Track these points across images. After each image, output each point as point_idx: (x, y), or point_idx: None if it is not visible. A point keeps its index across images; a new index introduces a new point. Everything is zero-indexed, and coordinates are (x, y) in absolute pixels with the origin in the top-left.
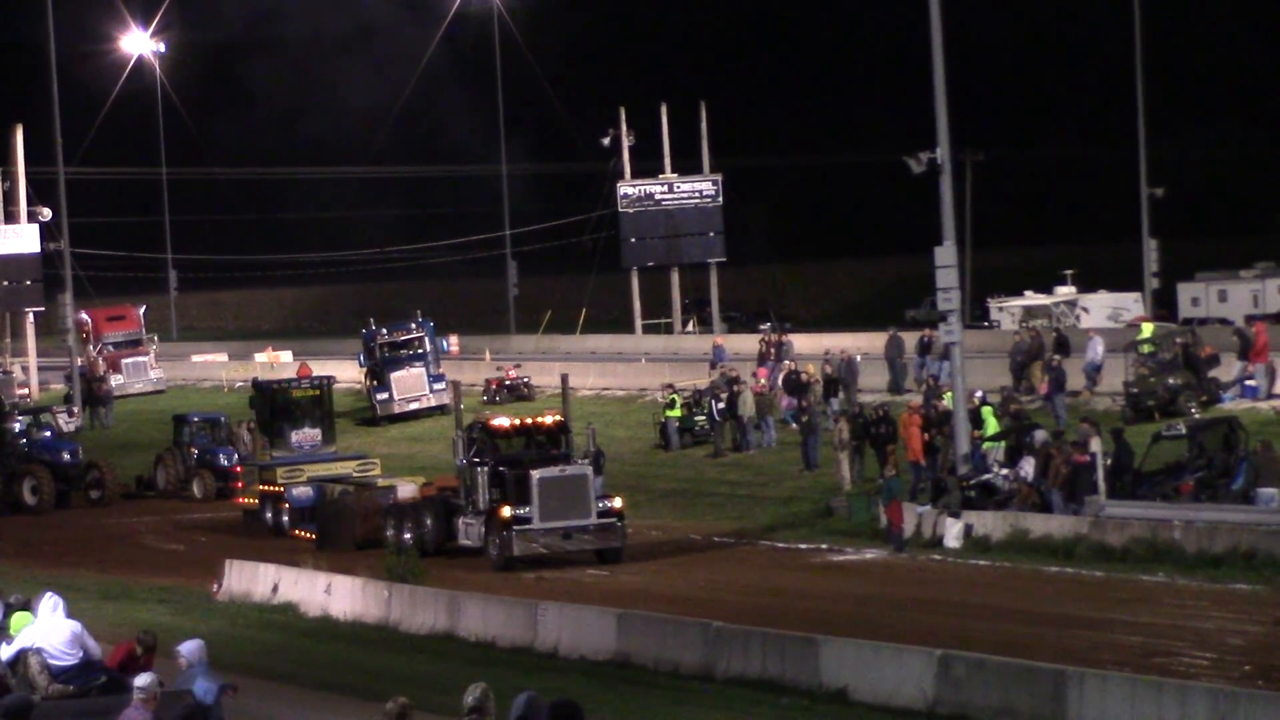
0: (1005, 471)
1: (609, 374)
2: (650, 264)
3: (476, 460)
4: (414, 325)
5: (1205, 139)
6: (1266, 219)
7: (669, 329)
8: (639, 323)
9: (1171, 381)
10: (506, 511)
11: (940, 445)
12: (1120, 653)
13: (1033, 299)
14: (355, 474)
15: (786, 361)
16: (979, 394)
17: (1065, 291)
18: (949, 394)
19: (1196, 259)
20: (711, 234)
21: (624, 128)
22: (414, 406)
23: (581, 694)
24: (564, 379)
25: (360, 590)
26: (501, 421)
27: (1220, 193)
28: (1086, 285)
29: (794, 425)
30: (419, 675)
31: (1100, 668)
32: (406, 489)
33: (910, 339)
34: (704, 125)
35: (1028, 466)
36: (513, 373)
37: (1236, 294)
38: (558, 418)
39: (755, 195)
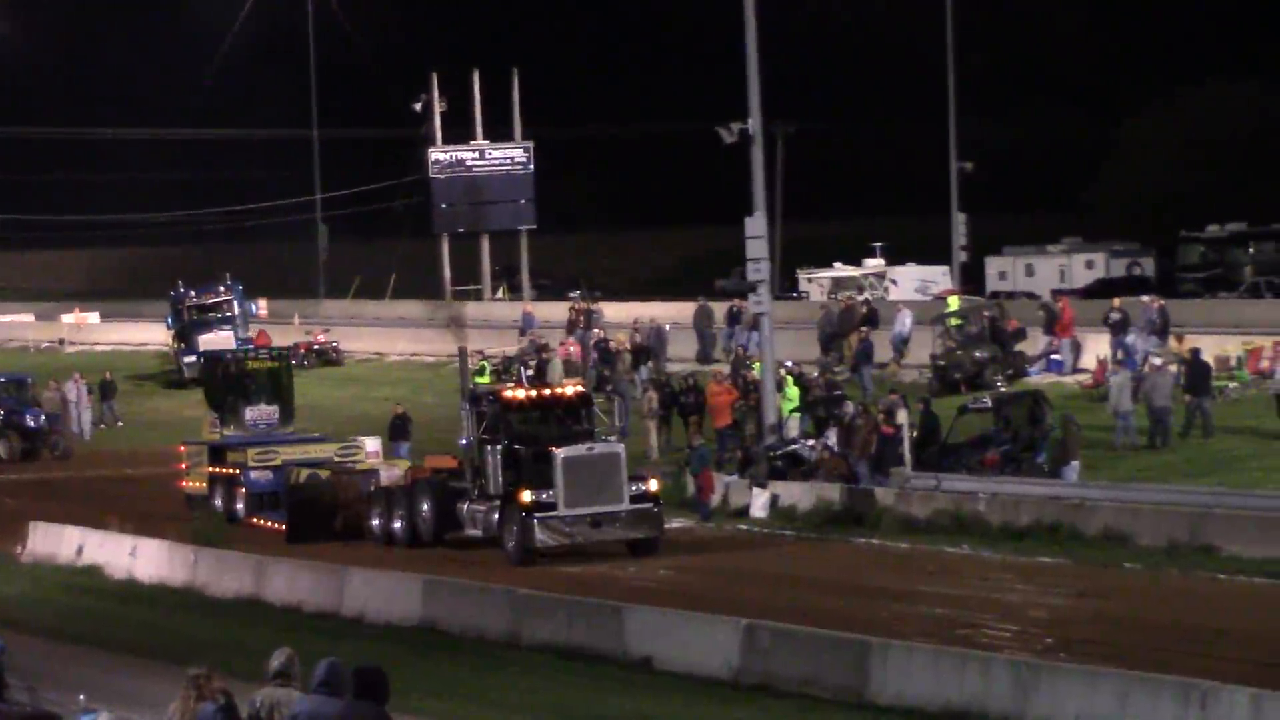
0: (812, 442)
1: (418, 340)
2: (461, 230)
3: (486, 437)
4: (222, 288)
5: (1015, 115)
6: (1074, 195)
7: (479, 296)
8: (449, 289)
9: (978, 354)
10: (527, 496)
11: (740, 417)
12: (924, 624)
13: (842, 271)
14: (337, 458)
15: (595, 330)
16: (787, 364)
17: (874, 264)
18: (758, 364)
19: (1004, 233)
20: (522, 201)
21: (435, 93)
22: None
23: (388, 660)
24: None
25: (166, 553)
26: (516, 393)
27: (1029, 168)
28: (895, 258)
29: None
30: (225, 640)
31: (904, 639)
32: (391, 471)
33: (719, 309)
34: (516, 93)
35: (835, 437)
36: (321, 337)
37: (1043, 268)
38: (579, 388)
39: (568, 164)
